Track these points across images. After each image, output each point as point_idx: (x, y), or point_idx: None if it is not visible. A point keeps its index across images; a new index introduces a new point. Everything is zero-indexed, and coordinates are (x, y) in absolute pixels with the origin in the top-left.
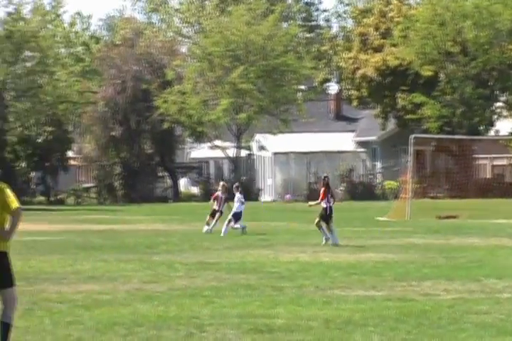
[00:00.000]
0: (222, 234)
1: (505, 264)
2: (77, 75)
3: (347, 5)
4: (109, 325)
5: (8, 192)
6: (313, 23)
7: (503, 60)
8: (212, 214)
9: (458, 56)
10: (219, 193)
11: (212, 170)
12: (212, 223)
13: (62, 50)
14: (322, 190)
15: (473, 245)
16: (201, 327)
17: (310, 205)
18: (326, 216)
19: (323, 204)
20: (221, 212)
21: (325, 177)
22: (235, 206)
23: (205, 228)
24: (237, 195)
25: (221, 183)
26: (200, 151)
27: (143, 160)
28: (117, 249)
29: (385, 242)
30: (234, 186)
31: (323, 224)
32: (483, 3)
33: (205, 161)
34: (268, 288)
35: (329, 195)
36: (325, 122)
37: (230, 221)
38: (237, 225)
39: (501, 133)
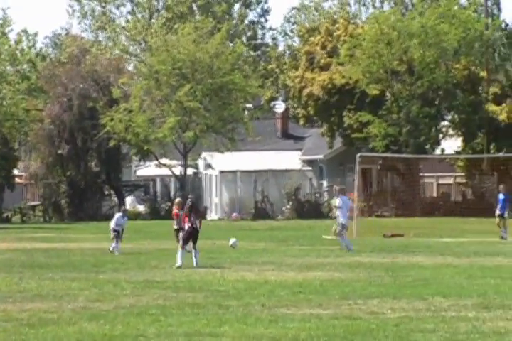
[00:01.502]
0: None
1: (450, 283)
2: (23, 93)
3: (293, 23)
4: None
5: None
6: (259, 41)
7: (449, 79)
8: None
9: (404, 75)
10: (176, 210)
11: (158, 188)
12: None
13: (8, 68)
14: (185, 212)
15: (419, 264)
16: None
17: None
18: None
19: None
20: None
21: (189, 198)
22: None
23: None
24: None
25: (177, 200)
26: (147, 169)
27: (89, 178)
28: (63, 267)
29: (332, 261)
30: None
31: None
32: (430, 22)
33: (152, 179)
34: (214, 306)
35: (192, 217)
36: (272, 141)
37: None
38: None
39: (447, 152)
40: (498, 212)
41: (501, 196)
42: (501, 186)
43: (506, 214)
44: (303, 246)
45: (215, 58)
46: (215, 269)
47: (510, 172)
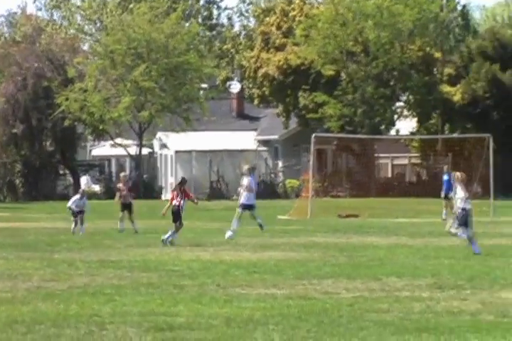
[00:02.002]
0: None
1: (405, 263)
2: None
3: (249, 4)
4: (9, 323)
5: None
6: (215, 21)
7: (404, 60)
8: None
9: (359, 56)
10: (120, 184)
11: (114, 168)
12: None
13: None
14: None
15: (374, 244)
16: (102, 325)
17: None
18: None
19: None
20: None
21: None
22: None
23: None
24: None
25: (122, 174)
26: (102, 149)
27: (44, 157)
28: (18, 246)
29: (287, 241)
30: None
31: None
32: (385, 3)
33: (107, 159)
34: (169, 286)
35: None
36: (227, 121)
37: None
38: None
39: (402, 133)
40: (443, 194)
41: (446, 177)
42: (445, 167)
43: (451, 195)
44: (258, 226)
45: (170, 38)
46: (170, 249)
47: (464, 153)
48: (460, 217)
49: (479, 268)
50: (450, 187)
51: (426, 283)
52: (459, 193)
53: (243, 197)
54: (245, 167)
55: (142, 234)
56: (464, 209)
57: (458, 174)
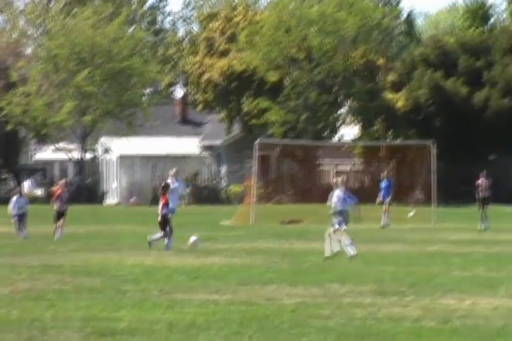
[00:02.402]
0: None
1: (347, 269)
2: None
3: (193, 9)
4: None
5: None
6: (159, 26)
7: (346, 67)
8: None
9: (303, 62)
10: (59, 191)
11: (56, 172)
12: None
13: None
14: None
15: (317, 250)
16: (44, 330)
17: None
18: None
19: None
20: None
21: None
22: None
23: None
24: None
25: (62, 181)
26: (45, 153)
27: None
28: None
29: (230, 246)
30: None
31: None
32: (328, 10)
33: (50, 163)
34: (112, 291)
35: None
36: (171, 126)
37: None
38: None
39: (345, 139)
40: (379, 199)
41: (384, 183)
42: (384, 173)
43: (387, 200)
44: (200, 232)
45: (113, 43)
46: (113, 254)
47: (407, 160)
48: (344, 218)
49: (421, 274)
50: (388, 194)
51: (368, 289)
52: (336, 196)
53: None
54: (172, 170)
55: (85, 239)
56: (341, 211)
57: (339, 179)
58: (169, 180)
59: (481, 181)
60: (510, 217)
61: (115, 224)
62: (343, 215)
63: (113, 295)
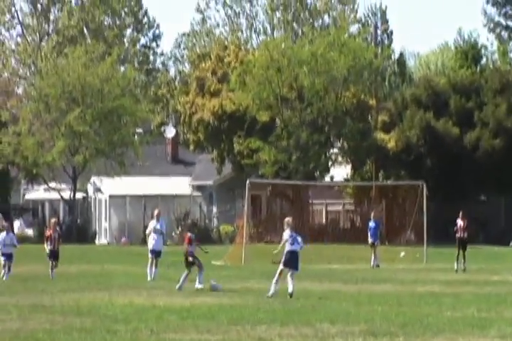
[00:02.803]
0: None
1: (338, 309)
2: None
3: (184, 49)
4: None
5: None
6: (150, 66)
7: (338, 107)
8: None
9: (294, 102)
10: (49, 232)
11: (47, 211)
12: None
13: None
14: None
15: (307, 290)
16: None
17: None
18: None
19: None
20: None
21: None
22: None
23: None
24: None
25: (52, 220)
26: (36, 193)
27: None
28: None
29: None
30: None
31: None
32: (319, 50)
33: (41, 203)
34: (102, 331)
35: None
36: (162, 165)
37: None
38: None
39: (336, 179)
40: (370, 241)
41: (372, 224)
42: (372, 214)
43: (377, 242)
44: (192, 272)
45: (105, 82)
46: (104, 293)
47: (398, 200)
48: (287, 259)
49: (412, 314)
50: (375, 234)
51: (359, 329)
52: (285, 237)
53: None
54: (155, 211)
55: (75, 279)
56: (291, 251)
57: (286, 219)
58: (154, 221)
59: (460, 222)
60: (499, 258)
61: (106, 264)
62: (286, 256)
63: (103, 334)
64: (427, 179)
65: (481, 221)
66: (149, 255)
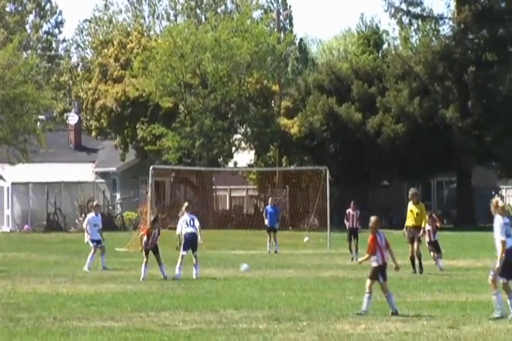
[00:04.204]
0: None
1: (242, 295)
2: None
3: (87, 35)
4: None
5: None
6: (53, 52)
7: (241, 93)
8: None
9: (197, 88)
10: None
11: None
12: None
13: None
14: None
15: (212, 276)
16: None
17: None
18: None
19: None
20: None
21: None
22: None
23: None
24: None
25: None
26: None
27: None
28: None
29: (125, 273)
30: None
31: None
32: (223, 36)
33: None
34: (5, 319)
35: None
36: (65, 152)
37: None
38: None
39: (240, 165)
40: (268, 226)
41: (270, 209)
42: (270, 199)
43: (277, 227)
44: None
45: (6, 69)
46: (6, 282)
47: (301, 186)
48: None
49: (316, 299)
50: (274, 219)
51: (263, 314)
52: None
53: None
54: (93, 204)
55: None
56: (189, 233)
57: (184, 204)
58: (92, 214)
59: (351, 212)
60: (401, 242)
61: (8, 252)
62: (185, 239)
63: (6, 323)
64: (330, 164)
65: (384, 206)
66: (91, 244)
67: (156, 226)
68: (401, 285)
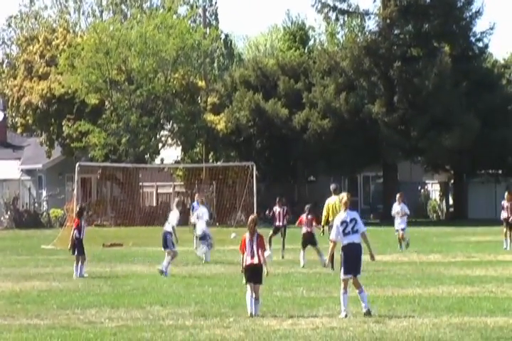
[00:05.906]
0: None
1: (168, 291)
2: None
3: (12, 32)
4: None
5: None
6: None
7: (167, 89)
8: None
9: (123, 84)
10: None
11: None
12: None
13: None
14: None
15: (138, 273)
16: None
17: None
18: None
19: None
20: None
21: None
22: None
23: None
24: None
25: None
26: None
27: None
28: None
29: (51, 270)
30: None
31: None
32: (148, 32)
33: None
34: None
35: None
36: None
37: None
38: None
39: (166, 162)
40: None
41: (195, 204)
42: (197, 195)
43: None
44: (21, 256)
45: None
46: None
47: (228, 181)
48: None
49: (242, 295)
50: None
51: (189, 311)
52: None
53: None
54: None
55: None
56: None
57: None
58: None
59: (278, 209)
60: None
61: None
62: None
63: None
64: (256, 160)
65: (310, 201)
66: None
67: (83, 217)
68: (328, 280)
